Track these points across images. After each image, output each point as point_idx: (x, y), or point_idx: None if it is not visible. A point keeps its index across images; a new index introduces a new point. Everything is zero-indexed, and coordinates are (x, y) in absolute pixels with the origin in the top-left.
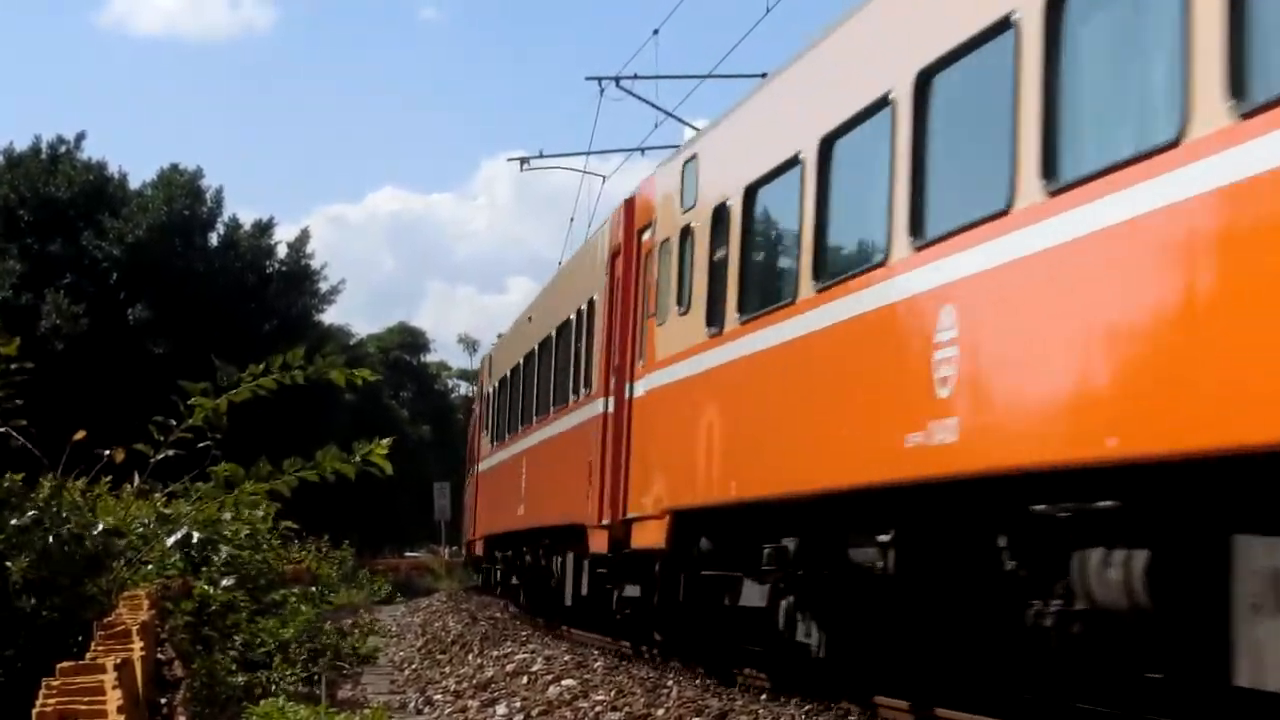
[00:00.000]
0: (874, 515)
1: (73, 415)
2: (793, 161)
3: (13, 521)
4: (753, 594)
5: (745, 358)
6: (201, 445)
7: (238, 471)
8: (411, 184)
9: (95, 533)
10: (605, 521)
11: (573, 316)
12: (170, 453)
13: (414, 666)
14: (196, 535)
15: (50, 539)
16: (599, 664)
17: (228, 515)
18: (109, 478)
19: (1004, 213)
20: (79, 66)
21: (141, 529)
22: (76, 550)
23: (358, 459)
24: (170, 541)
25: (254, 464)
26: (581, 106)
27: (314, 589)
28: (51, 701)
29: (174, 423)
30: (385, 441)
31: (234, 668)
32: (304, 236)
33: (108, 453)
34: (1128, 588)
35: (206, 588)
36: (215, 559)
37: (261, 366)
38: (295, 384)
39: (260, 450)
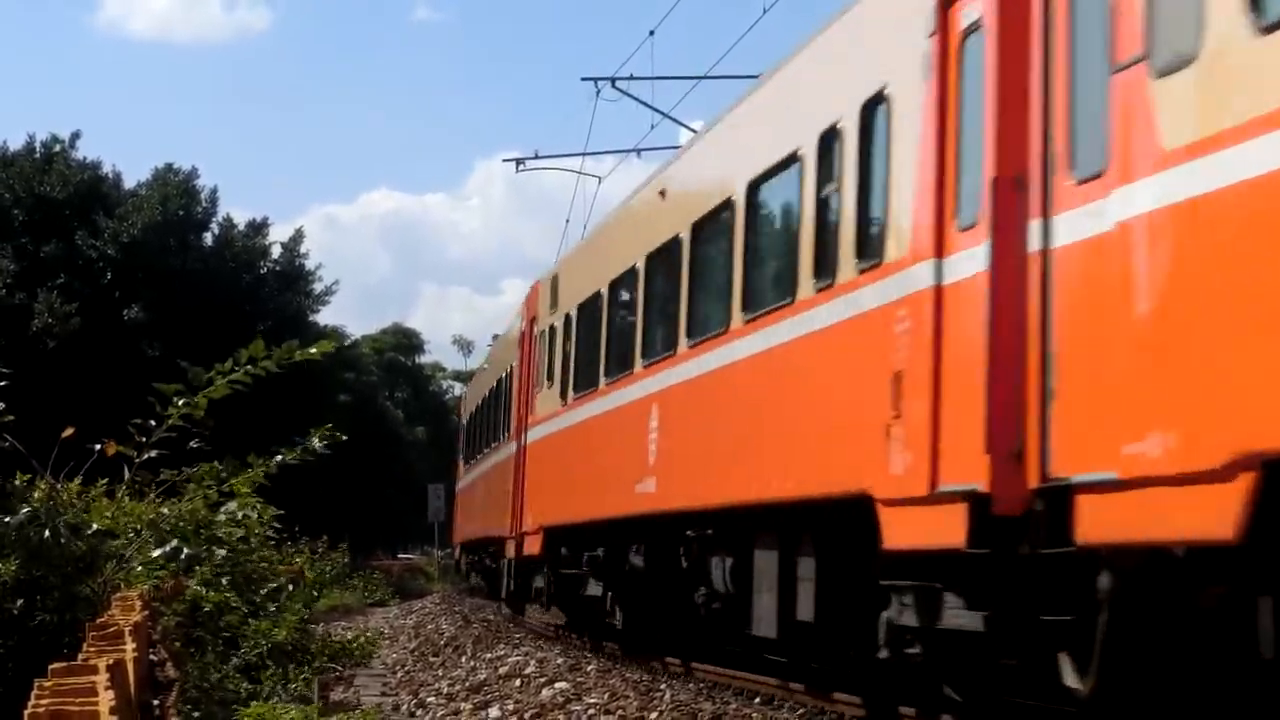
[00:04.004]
0: None
1: (65, 415)
2: None
3: (7, 519)
4: None
5: None
6: (193, 445)
7: (214, 469)
8: (405, 184)
9: (89, 534)
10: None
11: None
12: (154, 453)
13: (406, 669)
14: (186, 551)
15: (42, 539)
16: (592, 667)
17: (221, 517)
18: (104, 480)
19: None
20: (73, 67)
21: (133, 533)
22: (68, 551)
23: (316, 443)
24: (156, 553)
25: (223, 460)
26: (577, 107)
27: (305, 589)
28: (44, 702)
29: (154, 424)
30: (327, 426)
31: (226, 669)
32: (298, 236)
33: (99, 447)
34: None
35: (200, 589)
36: (209, 560)
37: (229, 363)
38: (275, 377)
39: (256, 449)
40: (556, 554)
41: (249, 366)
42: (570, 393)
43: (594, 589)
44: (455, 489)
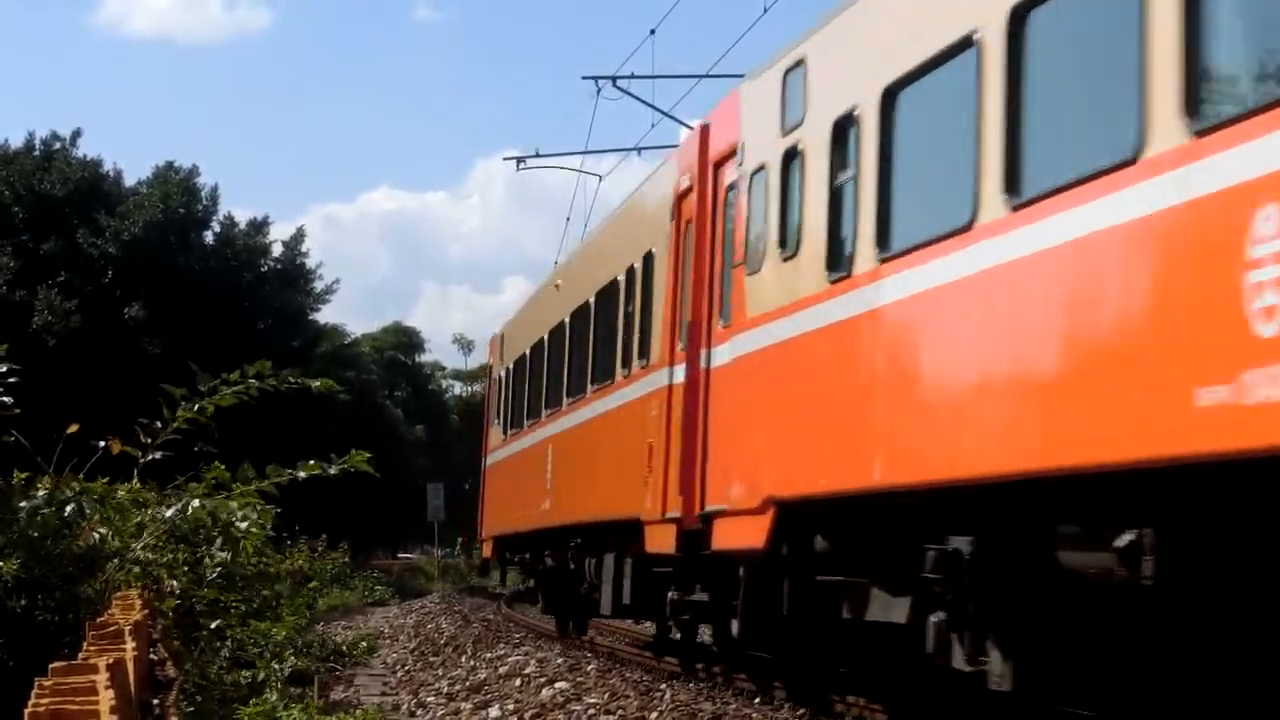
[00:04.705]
0: None
1: (65, 412)
2: None
3: (23, 504)
4: None
5: None
6: (198, 449)
7: (224, 475)
8: (406, 183)
9: (113, 502)
10: None
11: None
12: (159, 455)
13: (406, 668)
14: (198, 502)
15: (53, 532)
16: (592, 667)
17: (222, 516)
18: (105, 478)
19: None
20: (73, 66)
21: (137, 518)
22: (69, 549)
23: (334, 469)
24: (169, 512)
25: (239, 468)
26: (577, 106)
27: (306, 590)
28: (44, 701)
29: (160, 424)
30: (364, 454)
31: (226, 668)
32: (299, 235)
33: (103, 444)
34: None
35: (190, 584)
36: (209, 560)
37: (236, 374)
38: (279, 391)
39: (256, 449)
40: (798, 548)
41: (255, 381)
42: (866, 254)
43: (887, 608)
44: (483, 467)
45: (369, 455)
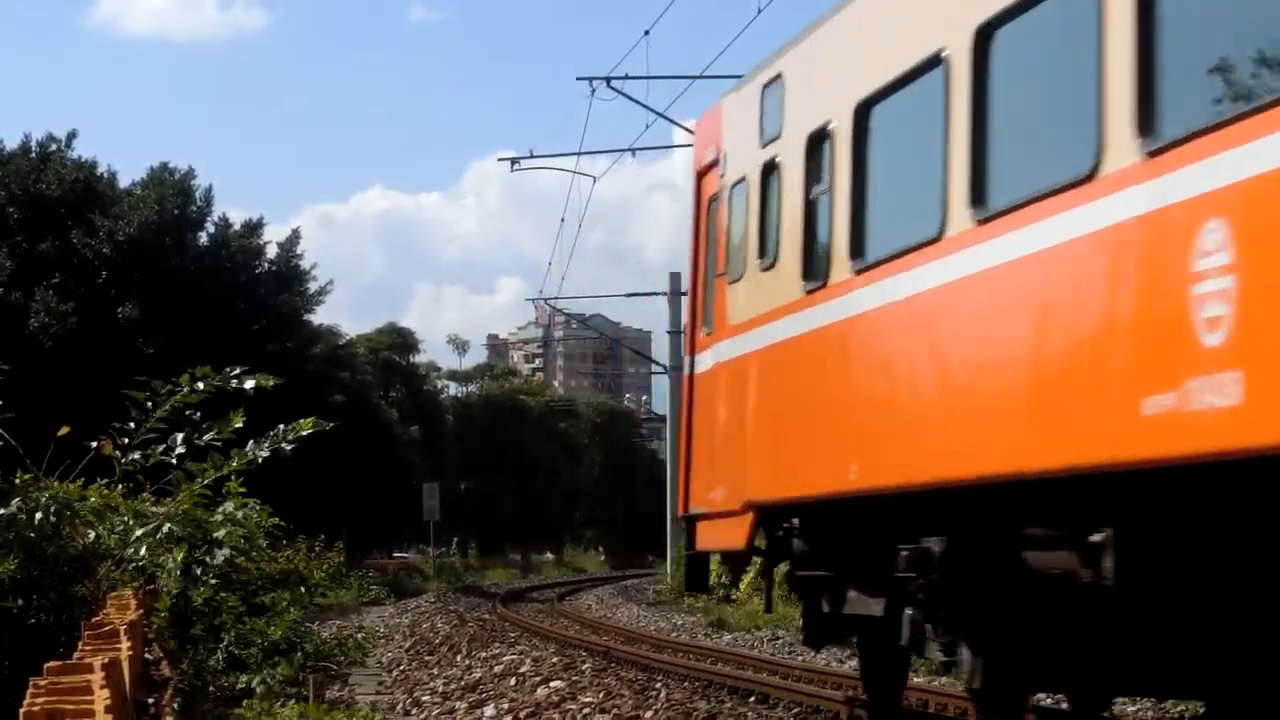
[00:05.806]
0: None
1: (61, 413)
2: None
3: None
4: None
5: None
6: (183, 450)
7: (200, 468)
8: (400, 183)
9: (85, 508)
10: None
11: None
12: (139, 454)
13: (402, 668)
14: (169, 526)
15: (43, 534)
16: (587, 666)
17: (218, 517)
18: (104, 480)
19: None
20: (69, 67)
21: (122, 526)
22: (64, 550)
23: (288, 446)
24: (139, 532)
25: (209, 453)
26: (572, 107)
27: (302, 589)
28: (39, 701)
29: (134, 426)
30: (308, 420)
31: (222, 667)
32: (294, 237)
33: (94, 445)
34: None
35: (184, 585)
36: (209, 561)
37: (187, 376)
38: (275, 387)
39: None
40: None
41: (199, 385)
42: None
43: None
44: (689, 373)
45: (318, 423)
